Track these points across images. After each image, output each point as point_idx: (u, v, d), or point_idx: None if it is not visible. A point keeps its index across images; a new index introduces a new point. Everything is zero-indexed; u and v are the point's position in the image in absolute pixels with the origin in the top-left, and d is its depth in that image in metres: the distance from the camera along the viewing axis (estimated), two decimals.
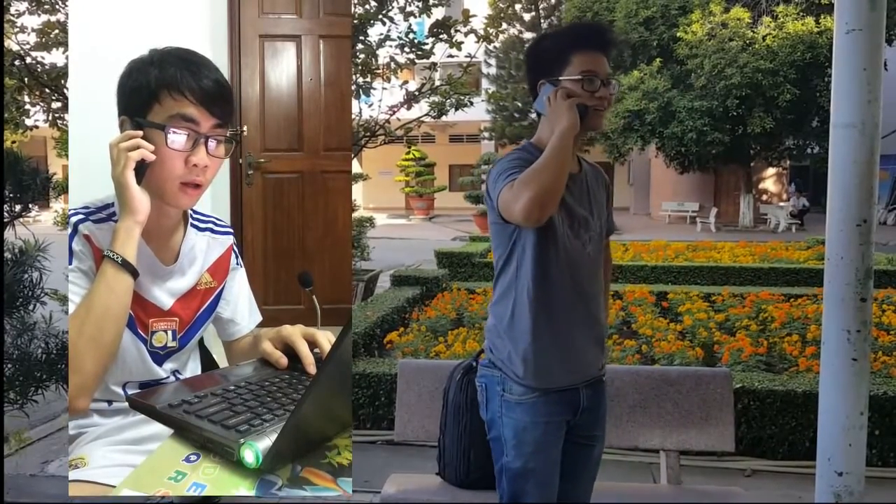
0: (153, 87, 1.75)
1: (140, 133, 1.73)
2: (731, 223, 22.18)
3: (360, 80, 5.87)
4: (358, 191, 22.11)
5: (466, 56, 6.17)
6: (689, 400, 2.71)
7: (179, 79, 1.74)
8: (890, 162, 21.25)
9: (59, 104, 5.16)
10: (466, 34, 6.00)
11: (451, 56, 6.08)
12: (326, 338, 1.93)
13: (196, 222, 2.05)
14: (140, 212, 1.73)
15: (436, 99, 6.32)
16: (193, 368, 2.13)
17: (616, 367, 3.29)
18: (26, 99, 5.25)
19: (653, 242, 11.26)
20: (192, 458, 1.47)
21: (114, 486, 1.46)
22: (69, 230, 1.78)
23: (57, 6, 4.95)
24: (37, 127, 5.67)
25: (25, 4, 4.95)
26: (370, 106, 6.34)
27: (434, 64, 6.11)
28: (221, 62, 4.90)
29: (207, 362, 2.28)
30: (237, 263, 2.18)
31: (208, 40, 4.62)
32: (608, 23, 16.16)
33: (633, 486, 3.04)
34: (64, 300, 2.07)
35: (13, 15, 4.96)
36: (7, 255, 2.27)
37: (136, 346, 1.87)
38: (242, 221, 5.15)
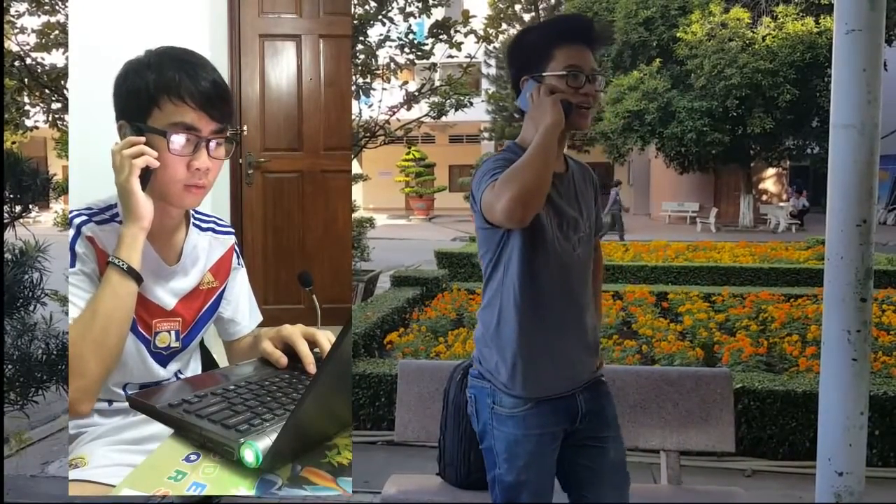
0: (152, 91, 1.73)
1: (143, 139, 1.72)
2: (731, 223, 22.19)
3: (360, 80, 5.87)
4: (358, 191, 22.11)
5: (466, 56, 6.17)
6: (690, 400, 2.71)
7: (178, 83, 1.73)
8: (890, 162, 21.25)
9: (58, 105, 5.16)
10: (466, 35, 6.01)
11: (450, 56, 6.08)
12: (326, 337, 1.93)
13: (198, 222, 2.05)
14: (145, 218, 1.72)
15: (435, 99, 6.33)
16: (194, 368, 2.13)
17: (616, 367, 3.29)
18: (26, 100, 5.25)
19: (653, 243, 11.26)
20: (192, 457, 1.47)
21: (114, 486, 1.46)
22: (71, 231, 1.78)
23: (57, 7, 4.96)
24: (37, 128, 5.68)
25: (25, 5, 4.95)
26: (370, 106, 6.35)
27: (434, 64, 6.11)
28: (221, 62, 4.90)
29: (207, 362, 2.28)
30: (238, 263, 2.18)
31: (208, 40, 4.62)
32: (607, 22, 16.10)
33: (633, 486, 3.02)
34: (64, 301, 2.07)
35: (13, 16, 4.96)
36: (7, 255, 2.27)
37: (136, 347, 1.87)
38: (242, 221, 5.15)
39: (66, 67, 4.79)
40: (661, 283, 8.27)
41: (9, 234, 2.34)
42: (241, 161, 5.08)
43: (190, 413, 1.56)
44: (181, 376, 2.02)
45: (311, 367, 1.84)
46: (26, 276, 2.28)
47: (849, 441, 2.16)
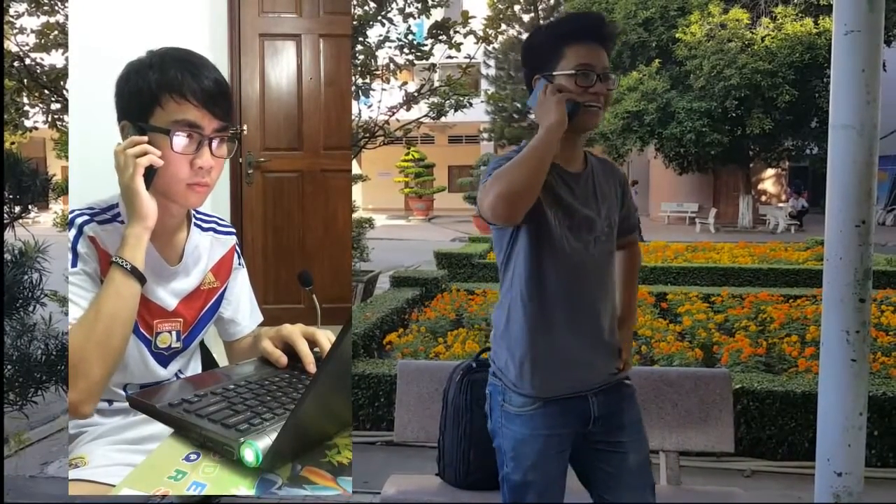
0: (154, 90, 1.74)
1: (146, 139, 1.73)
2: (731, 224, 22.20)
3: (360, 81, 5.87)
4: (357, 192, 22.10)
5: (465, 57, 6.17)
6: (689, 400, 2.71)
7: (181, 81, 1.73)
8: (888, 163, 21.28)
9: (58, 105, 5.16)
10: (465, 35, 6.01)
11: (450, 57, 6.08)
12: (326, 337, 1.93)
13: (199, 222, 2.05)
14: (149, 217, 1.72)
15: (435, 100, 6.33)
16: (195, 368, 2.13)
17: None
18: (25, 100, 5.25)
19: (652, 243, 11.25)
20: (192, 457, 1.47)
21: (114, 486, 1.46)
22: (73, 231, 1.78)
23: (56, 7, 4.96)
24: (36, 128, 5.68)
25: (25, 6, 4.95)
26: (369, 107, 6.35)
27: (433, 65, 6.12)
28: (221, 62, 4.90)
29: (208, 362, 2.28)
30: (239, 263, 2.18)
31: (208, 40, 4.62)
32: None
33: None
34: (63, 302, 2.06)
35: (12, 16, 4.96)
36: (7, 256, 2.27)
37: (137, 347, 1.87)
38: (242, 220, 5.15)
39: (65, 68, 4.79)
40: (660, 283, 8.27)
41: (8, 235, 2.34)
42: (241, 160, 5.08)
43: (190, 412, 1.56)
44: (181, 376, 2.02)
45: (311, 367, 1.84)
46: (26, 277, 2.28)
47: (848, 441, 2.16)
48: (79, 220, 1.78)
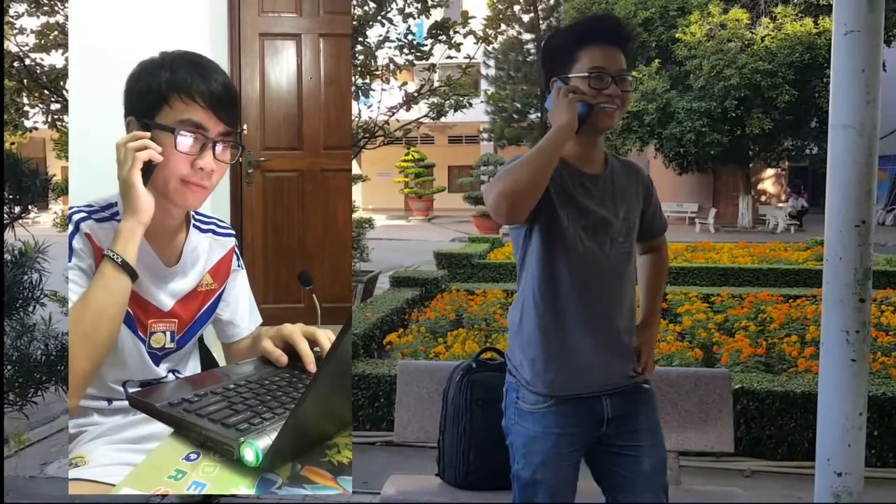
0: (163, 89, 1.75)
1: (148, 134, 1.73)
2: (730, 224, 22.21)
3: (360, 81, 5.88)
4: (357, 192, 22.12)
5: (465, 57, 6.17)
6: (689, 400, 2.71)
7: (190, 82, 1.75)
8: (888, 162, 21.29)
9: (58, 105, 5.16)
10: (465, 35, 6.01)
11: (450, 57, 6.09)
12: (327, 336, 1.93)
13: (198, 223, 2.05)
14: (144, 213, 1.72)
15: (435, 100, 6.33)
16: (194, 368, 2.13)
17: None
18: (25, 101, 5.25)
19: None
20: (192, 456, 1.47)
21: (114, 485, 1.46)
22: (70, 227, 1.78)
23: (56, 7, 4.96)
24: (36, 129, 5.68)
25: (24, 6, 4.95)
26: (369, 107, 6.35)
27: (433, 65, 6.12)
28: (221, 61, 4.90)
29: (207, 361, 2.28)
30: (238, 265, 2.18)
31: (208, 39, 4.62)
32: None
33: None
34: (63, 302, 2.07)
35: (12, 16, 4.95)
36: (7, 256, 2.27)
37: (136, 346, 1.87)
38: (242, 220, 5.15)
39: (65, 68, 4.79)
40: None
41: (8, 235, 2.34)
42: (241, 160, 5.08)
43: (190, 412, 1.56)
44: (178, 376, 2.02)
45: (312, 366, 1.84)
46: (25, 277, 2.28)
47: (847, 441, 2.16)
48: (76, 217, 1.79)
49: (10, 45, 4.79)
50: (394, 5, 5.85)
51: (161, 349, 1.95)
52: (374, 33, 5.90)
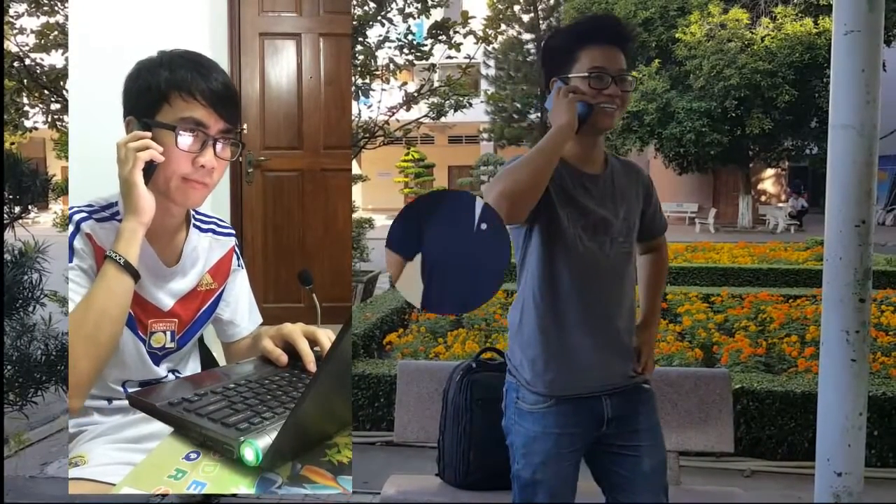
0: (163, 88, 1.75)
1: (149, 133, 1.74)
2: (730, 224, 22.22)
3: (360, 81, 5.87)
4: (357, 192, 22.12)
5: (465, 57, 6.17)
6: (689, 400, 2.71)
7: (190, 81, 1.75)
8: (888, 162, 21.30)
9: (58, 106, 5.15)
10: (465, 35, 6.01)
11: (449, 57, 6.08)
12: (327, 336, 1.93)
13: (198, 223, 2.05)
14: (145, 213, 1.72)
15: (435, 100, 6.33)
16: (193, 368, 2.13)
17: None
18: (25, 101, 5.24)
19: None
20: (192, 456, 1.47)
21: (114, 484, 1.46)
22: (71, 227, 1.78)
23: (56, 7, 4.95)
24: (36, 128, 5.67)
25: (24, 6, 4.95)
26: (369, 107, 6.35)
27: (433, 65, 6.11)
28: (221, 61, 4.89)
29: (208, 361, 2.28)
30: (238, 265, 2.18)
31: (208, 39, 4.62)
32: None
33: None
34: (63, 302, 2.06)
35: (12, 16, 4.95)
36: (7, 256, 2.27)
37: (136, 345, 1.87)
38: (242, 220, 5.15)
39: (65, 68, 4.79)
40: None
41: (8, 235, 2.34)
42: (240, 160, 5.09)
43: (190, 411, 1.56)
44: (178, 375, 2.02)
45: (312, 366, 1.84)
46: (25, 277, 2.28)
47: (847, 441, 2.16)
48: (76, 217, 1.79)
49: (10, 45, 4.78)
50: (394, 5, 5.85)
51: (161, 349, 1.95)
52: (374, 33, 5.90)
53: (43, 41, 4.87)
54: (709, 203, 23.62)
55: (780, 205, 23.01)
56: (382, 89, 6.18)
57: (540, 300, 1.73)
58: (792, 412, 3.77)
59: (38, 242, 2.31)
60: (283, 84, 5.19)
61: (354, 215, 11.70)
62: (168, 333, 1.95)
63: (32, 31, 4.90)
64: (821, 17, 17.45)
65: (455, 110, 6.34)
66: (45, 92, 5.00)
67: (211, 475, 1.42)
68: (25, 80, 4.87)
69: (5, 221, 2.34)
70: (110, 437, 1.82)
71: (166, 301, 1.93)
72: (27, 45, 4.89)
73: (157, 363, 1.95)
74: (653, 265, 2.03)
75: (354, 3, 5.92)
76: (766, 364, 4.74)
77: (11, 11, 4.91)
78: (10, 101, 5.05)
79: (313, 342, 1.92)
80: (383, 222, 21.02)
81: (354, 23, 5.65)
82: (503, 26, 23.04)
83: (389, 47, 5.94)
